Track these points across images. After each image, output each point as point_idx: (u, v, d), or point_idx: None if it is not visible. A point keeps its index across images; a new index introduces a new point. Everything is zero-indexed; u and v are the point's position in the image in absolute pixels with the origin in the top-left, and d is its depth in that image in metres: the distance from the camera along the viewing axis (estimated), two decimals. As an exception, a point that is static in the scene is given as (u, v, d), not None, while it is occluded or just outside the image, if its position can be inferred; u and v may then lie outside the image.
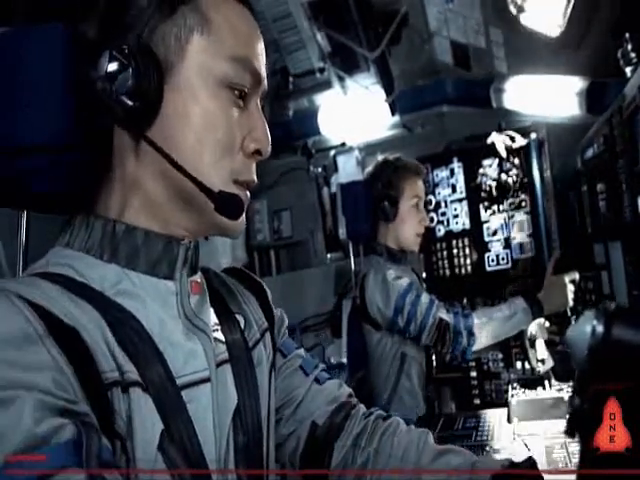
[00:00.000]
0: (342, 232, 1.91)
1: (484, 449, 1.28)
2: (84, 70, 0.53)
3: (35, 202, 0.61)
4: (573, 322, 1.61)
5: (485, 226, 2.21)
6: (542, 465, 1.09)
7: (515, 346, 2.05)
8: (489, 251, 2.20)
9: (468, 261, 2.24)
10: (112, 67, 0.53)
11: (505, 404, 1.54)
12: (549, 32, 1.91)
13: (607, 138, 1.36)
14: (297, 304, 2.42)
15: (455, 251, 2.27)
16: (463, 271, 2.25)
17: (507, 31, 2.15)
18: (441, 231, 2.30)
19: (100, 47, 0.53)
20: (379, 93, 2.51)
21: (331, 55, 2.48)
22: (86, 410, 0.43)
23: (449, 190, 2.29)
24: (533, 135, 2.12)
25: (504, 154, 2.13)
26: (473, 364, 2.16)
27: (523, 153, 2.13)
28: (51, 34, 0.54)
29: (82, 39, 0.55)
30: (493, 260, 2.19)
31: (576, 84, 2.02)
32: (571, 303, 1.61)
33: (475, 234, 2.23)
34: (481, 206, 2.22)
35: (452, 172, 2.28)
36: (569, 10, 1.82)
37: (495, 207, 2.19)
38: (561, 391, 1.49)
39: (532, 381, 1.58)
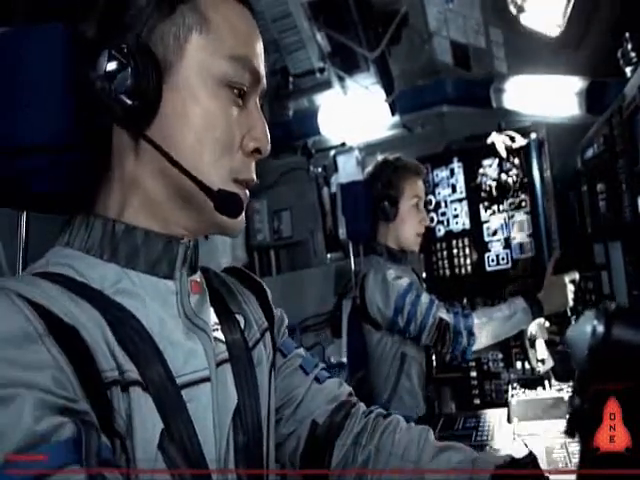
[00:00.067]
0: (342, 232, 1.91)
1: (484, 449, 1.28)
2: (84, 70, 0.53)
3: (35, 202, 0.61)
4: (573, 322, 1.61)
5: (485, 226, 2.21)
6: (542, 465, 1.09)
7: (515, 346, 2.05)
8: (489, 251, 2.20)
9: (468, 261, 2.24)
10: (111, 66, 0.53)
11: (505, 404, 1.54)
12: (549, 32, 1.91)
13: (607, 138, 1.36)
14: (297, 304, 2.41)
15: (455, 251, 2.27)
16: (463, 271, 2.25)
17: (507, 31, 2.15)
18: (441, 231, 2.30)
19: (99, 47, 0.53)
20: (379, 93, 2.51)
21: (331, 55, 2.48)
22: (86, 409, 0.43)
23: (449, 190, 2.29)
24: (533, 135, 2.12)
25: (504, 154, 2.13)
26: (473, 364, 2.16)
27: (523, 153, 2.13)
28: (51, 34, 0.54)
29: (82, 39, 0.55)
30: (493, 260, 2.19)
31: (576, 84, 2.02)
32: (571, 303, 1.61)
33: (475, 234, 2.23)
34: (481, 206, 2.22)
35: (452, 172, 2.28)
36: (569, 10, 1.82)
37: (495, 207, 2.19)
38: (561, 391, 1.49)
39: (532, 381, 1.58)
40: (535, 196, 2.11)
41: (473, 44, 2.29)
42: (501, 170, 2.16)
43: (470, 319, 1.60)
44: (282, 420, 0.74)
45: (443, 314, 1.59)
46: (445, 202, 2.29)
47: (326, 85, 2.65)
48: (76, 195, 0.59)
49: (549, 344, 1.62)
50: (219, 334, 0.63)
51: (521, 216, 2.14)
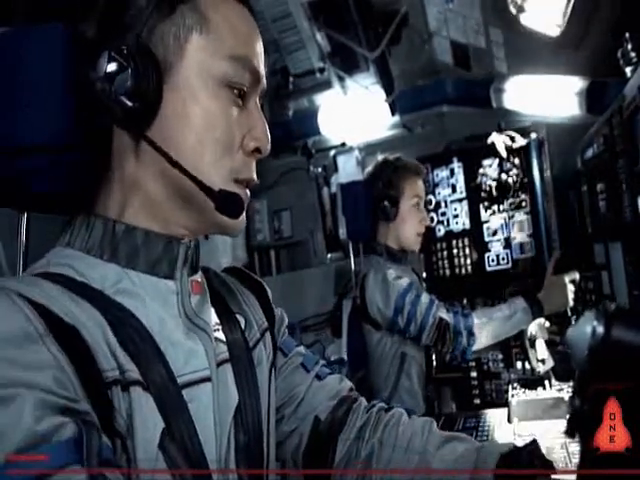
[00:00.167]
0: (342, 232, 1.91)
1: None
2: (84, 70, 0.53)
3: (35, 202, 0.61)
4: (573, 322, 1.61)
5: (485, 226, 2.21)
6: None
7: (515, 346, 2.05)
8: (489, 251, 2.20)
9: (468, 261, 2.24)
10: (111, 67, 0.53)
11: (505, 404, 1.54)
12: (549, 32, 1.91)
13: (607, 138, 1.36)
14: (297, 304, 2.42)
15: (455, 251, 2.27)
16: (463, 271, 2.25)
17: (507, 31, 2.15)
18: (441, 231, 2.30)
19: (99, 47, 0.53)
20: (379, 93, 2.51)
21: (331, 55, 2.48)
22: (87, 408, 0.43)
23: (449, 190, 2.29)
24: (533, 135, 2.12)
25: (504, 154, 2.13)
26: (473, 364, 2.16)
27: (523, 153, 2.12)
28: (51, 34, 0.54)
29: (82, 39, 0.55)
30: (493, 260, 2.19)
31: (576, 84, 2.02)
32: (571, 303, 1.61)
33: (475, 234, 2.23)
34: (481, 206, 2.22)
35: (452, 172, 2.28)
36: (569, 10, 1.82)
37: (495, 207, 2.19)
38: (561, 391, 1.49)
39: (532, 381, 1.59)
40: (535, 196, 2.11)
41: (473, 44, 2.29)
42: (501, 170, 2.16)
43: (470, 319, 1.60)
44: (284, 418, 0.74)
45: (443, 314, 1.59)
46: (445, 202, 2.29)
47: (326, 85, 2.65)
48: (76, 195, 0.59)
49: (549, 344, 1.62)
50: (220, 334, 0.63)
51: (521, 216, 2.14)
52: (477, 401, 2.17)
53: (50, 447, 0.38)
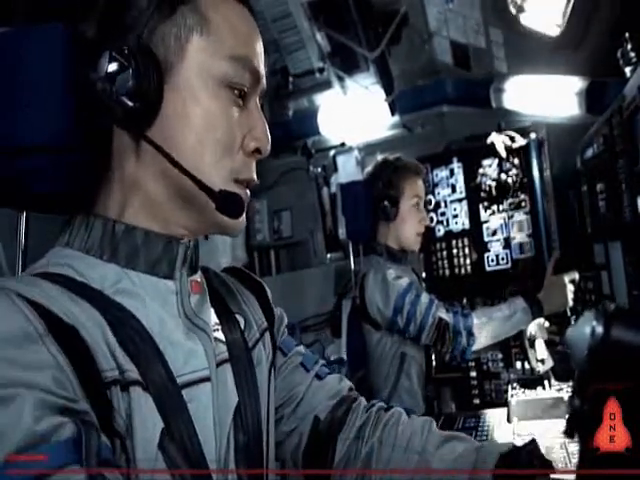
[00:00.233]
0: (342, 232, 1.91)
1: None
2: (84, 70, 0.53)
3: (35, 202, 0.61)
4: (573, 322, 1.61)
5: (485, 226, 2.21)
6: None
7: (515, 346, 2.05)
8: (489, 251, 2.20)
9: (468, 261, 2.24)
10: (112, 68, 0.53)
11: (505, 404, 1.54)
12: (549, 32, 1.91)
13: (607, 138, 1.36)
14: (297, 304, 2.42)
15: (455, 251, 2.27)
16: (463, 271, 2.25)
17: (507, 31, 2.15)
18: (441, 231, 2.30)
19: (100, 47, 0.53)
20: (379, 93, 2.51)
21: (331, 55, 2.48)
22: (86, 408, 0.43)
23: (449, 190, 2.29)
24: (533, 135, 2.12)
25: (504, 154, 2.13)
26: (473, 364, 2.16)
27: (523, 153, 2.12)
28: (51, 34, 0.54)
29: (82, 39, 0.55)
30: (493, 260, 2.19)
31: (576, 84, 2.02)
32: (571, 303, 1.61)
33: (475, 234, 2.23)
34: (481, 206, 2.22)
35: (452, 172, 2.28)
36: (569, 10, 1.82)
37: (495, 207, 2.19)
38: (561, 391, 1.49)
39: (532, 381, 1.59)
40: (535, 196, 2.11)
41: (473, 44, 2.29)
42: (501, 170, 2.16)
43: (470, 319, 1.60)
44: (283, 418, 0.74)
45: (443, 314, 1.59)
46: (445, 202, 2.29)
47: (326, 85, 2.65)
48: (76, 195, 0.59)
49: (549, 344, 1.62)
50: (219, 334, 0.63)
51: (521, 216, 2.14)
52: (477, 401, 2.17)
53: (49, 447, 0.38)
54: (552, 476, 0.64)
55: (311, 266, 2.78)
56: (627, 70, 1.45)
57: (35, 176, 0.55)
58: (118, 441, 0.47)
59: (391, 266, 1.72)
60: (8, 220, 0.64)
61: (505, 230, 2.17)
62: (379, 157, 1.86)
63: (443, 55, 2.40)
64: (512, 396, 1.50)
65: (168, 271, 0.59)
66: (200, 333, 0.59)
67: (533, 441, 0.65)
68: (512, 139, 2.13)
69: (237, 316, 0.69)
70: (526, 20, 1.95)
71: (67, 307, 0.48)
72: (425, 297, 1.61)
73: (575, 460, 1.10)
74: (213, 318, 0.64)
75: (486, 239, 2.20)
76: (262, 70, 0.61)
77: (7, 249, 1.12)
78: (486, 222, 2.21)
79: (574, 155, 1.77)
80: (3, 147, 0.54)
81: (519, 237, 2.14)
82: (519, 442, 0.66)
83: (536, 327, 1.62)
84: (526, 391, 1.53)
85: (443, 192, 2.30)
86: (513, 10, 1.95)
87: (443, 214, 2.30)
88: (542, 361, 1.59)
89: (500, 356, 2.13)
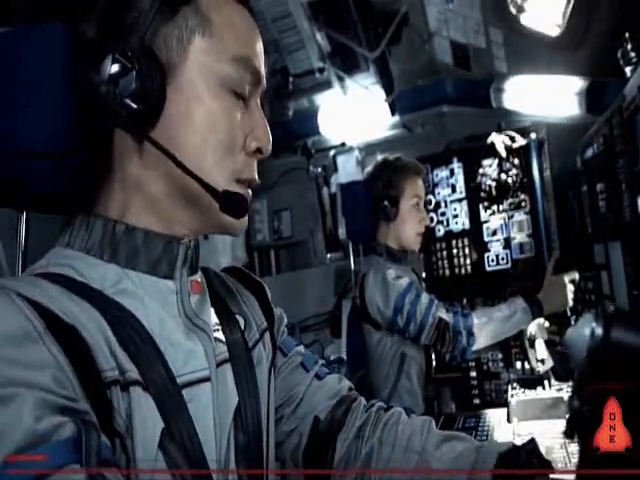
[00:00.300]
0: (342, 232, 1.91)
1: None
2: (84, 71, 0.53)
3: (35, 202, 0.61)
4: (573, 322, 1.61)
5: (485, 226, 2.21)
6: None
7: (515, 346, 2.05)
8: (489, 251, 2.20)
9: (468, 261, 2.24)
10: (116, 70, 0.53)
11: (505, 404, 1.54)
12: (549, 32, 1.91)
13: (607, 138, 1.36)
14: (297, 304, 2.42)
15: (455, 251, 2.27)
16: (463, 271, 2.25)
17: (507, 31, 2.15)
18: (441, 231, 2.30)
19: (101, 48, 0.53)
20: (379, 93, 2.51)
21: (331, 55, 2.48)
22: (86, 408, 0.43)
23: (449, 190, 2.29)
24: (533, 135, 2.12)
25: (504, 154, 2.13)
26: (473, 364, 2.16)
27: (523, 153, 2.12)
28: (51, 34, 0.54)
29: (82, 39, 0.55)
30: (493, 260, 2.19)
31: (576, 84, 2.02)
32: (571, 303, 1.61)
33: (475, 234, 2.23)
34: (481, 206, 2.21)
35: (452, 172, 2.28)
36: (569, 10, 1.82)
37: (495, 207, 2.18)
38: (561, 391, 1.49)
39: (532, 381, 1.59)
40: (535, 196, 2.11)
41: (473, 44, 2.29)
42: (501, 170, 2.16)
43: (470, 319, 1.60)
44: (283, 418, 0.74)
45: (443, 314, 1.59)
46: (445, 202, 2.29)
47: (326, 85, 2.65)
48: (76, 196, 0.59)
49: (549, 344, 1.63)
50: (219, 334, 0.63)
51: (521, 216, 2.14)
52: (477, 401, 2.17)
53: (49, 446, 0.38)
54: (552, 476, 0.64)
55: (311, 266, 2.78)
56: (627, 70, 1.45)
57: (35, 178, 0.55)
58: (118, 441, 0.47)
59: (391, 266, 1.72)
60: (8, 220, 0.64)
61: (505, 230, 2.17)
62: (379, 157, 1.86)
63: (443, 55, 2.40)
64: (512, 396, 1.50)
65: (168, 271, 0.59)
66: (200, 333, 0.59)
67: (532, 441, 0.65)
68: (512, 139, 2.13)
69: (237, 316, 0.69)
70: (526, 20, 1.95)
71: (67, 307, 0.48)
72: (425, 297, 1.61)
73: (575, 460, 1.10)
74: (213, 318, 0.64)
75: (486, 239, 2.20)
76: (263, 70, 0.62)
77: (7, 249, 1.13)
78: (486, 222, 2.21)
79: (574, 155, 1.77)
80: (3, 148, 0.53)
81: (519, 237, 2.14)
82: (519, 442, 0.66)
83: (536, 327, 1.62)
84: (526, 391, 1.53)
85: (443, 192, 2.30)
86: (513, 10, 1.95)
87: (443, 214, 2.30)
88: (542, 361, 1.59)
89: (500, 356, 2.13)
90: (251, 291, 0.76)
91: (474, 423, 1.50)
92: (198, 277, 0.64)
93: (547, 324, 1.65)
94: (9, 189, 0.57)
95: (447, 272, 2.28)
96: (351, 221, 1.85)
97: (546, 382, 1.55)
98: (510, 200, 2.15)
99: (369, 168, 1.86)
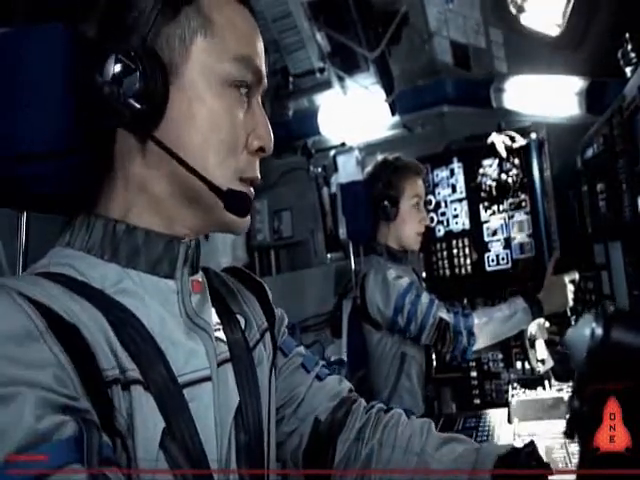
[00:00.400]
0: (342, 232, 1.91)
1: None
2: (85, 71, 0.53)
3: (36, 203, 0.61)
4: (573, 322, 1.61)
5: (485, 226, 2.21)
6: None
7: (515, 346, 2.05)
8: (489, 251, 2.20)
9: (468, 261, 2.24)
10: (119, 70, 0.53)
11: (505, 404, 1.54)
12: (549, 32, 1.91)
13: (607, 138, 1.35)
14: (297, 304, 2.41)
15: (455, 251, 2.27)
16: (463, 271, 2.25)
17: (507, 31, 2.15)
18: (441, 231, 2.30)
19: (102, 48, 0.53)
20: (379, 93, 2.51)
21: (331, 55, 2.49)
22: (87, 407, 0.43)
23: (449, 190, 2.28)
24: (533, 135, 2.12)
25: (504, 154, 2.13)
26: (473, 364, 2.16)
27: (523, 153, 2.12)
28: (51, 34, 0.54)
29: (82, 39, 0.55)
30: (493, 260, 2.19)
31: (576, 84, 2.02)
32: (571, 303, 1.61)
33: (475, 234, 2.23)
34: (481, 206, 2.21)
35: (452, 172, 2.28)
36: (569, 10, 1.82)
37: (495, 207, 2.18)
38: (561, 391, 1.49)
39: (532, 381, 1.59)
40: (535, 196, 2.11)
41: (473, 44, 2.29)
42: (501, 170, 2.16)
43: (470, 319, 1.60)
44: (284, 419, 0.74)
45: (443, 314, 1.59)
46: (445, 202, 2.29)
47: (326, 85, 2.65)
48: (77, 196, 0.59)
49: (549, 344, 1.63)
50: (220, 334, 0.63)
51: (521, 216, 2.14)
52: (477, 401, 2.17)
53: (51, 446, 0.38)
54: (552, 477, 0.64)
55: (311, 266, 2.78)
56: (627, 70, 1.45)
57: (35, 178, 0.55)
58: (119, 440, 0.48)
59: (391, 266, 1.72)
60: (8, 220, 0.64)
61: (505, 230, 2.17)
62: (379, 157, 1.86)
63: (443, 55, 2.40)
64: (512, 396, 1.50)
65: (169, 271, 0.59)
66: (201, 333, 0.59)
67: (532, 443, 0.65)
68: (512, 139, 2.13)
69: (238, 316, 0.69)
70: (526, 20, 1.95)
71: (68, 306, 0.48)
72: (425, 297, 1.61)
73: (575, 460, 1.10)
74: (214, 318, 0.64)
75: (486, 239, 2.20)
76: (263, 69, 0.62)
77: (8, 249, 1.13)
78: (486, 222, 2.20)
79: (574, 155, 1.77)
80: (3, 149, 0.53)
81: (519, 237, 2.14)
82: (519, 442, 0.66)
83: (536, 327, 1.62)
84: (526, 391, 1.53)
85: (443, 192, 2.30)
86: (513, 10, 1.95)
87: (443, 214, 2.30)
88: (542, 361, 1.59)
89: (500, 356, 2.13)
90: (252, 291, 0.76)
91: (474, 423, 1.50)
92: (199, 277, 0.64)
93: (547, 324, 1.65)
94: (9, 189, 0.57)
95: (447, 272, 2.28)
96: (351, 221, 1.85)
97: (546, 382, 1.55)
98: (510, 200, 2.15)
99: (369, 168, 1.86)
